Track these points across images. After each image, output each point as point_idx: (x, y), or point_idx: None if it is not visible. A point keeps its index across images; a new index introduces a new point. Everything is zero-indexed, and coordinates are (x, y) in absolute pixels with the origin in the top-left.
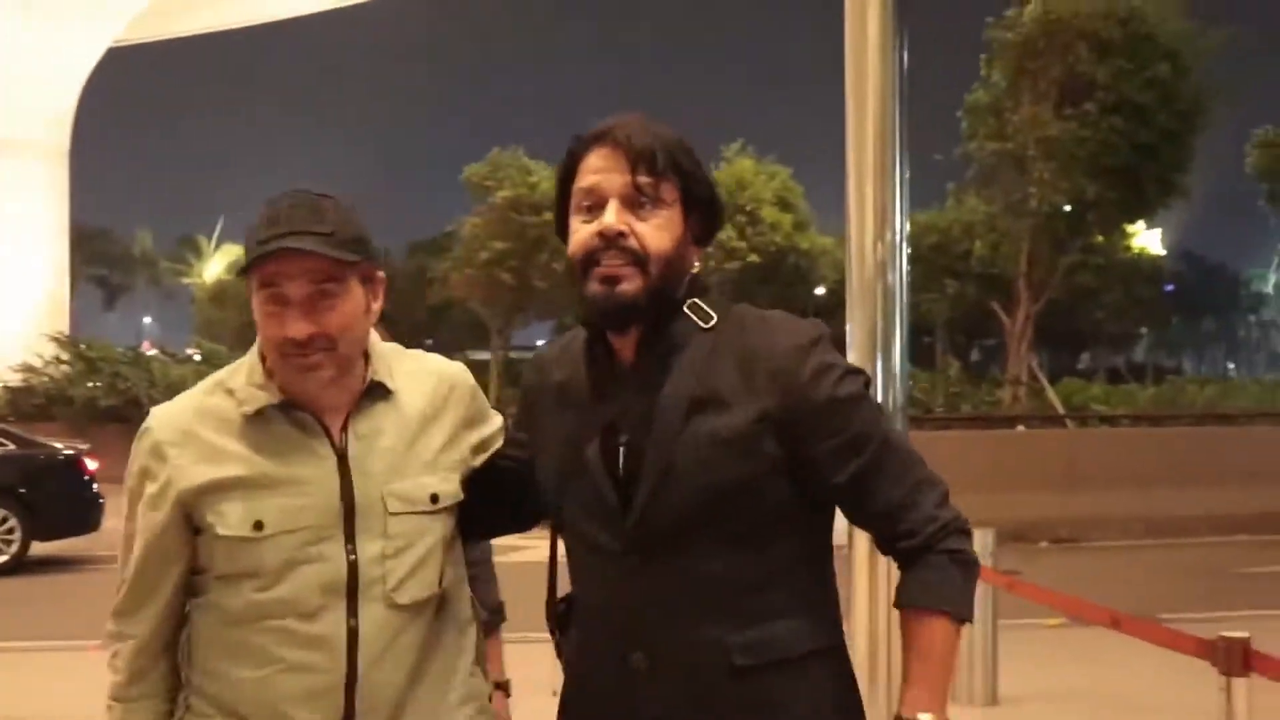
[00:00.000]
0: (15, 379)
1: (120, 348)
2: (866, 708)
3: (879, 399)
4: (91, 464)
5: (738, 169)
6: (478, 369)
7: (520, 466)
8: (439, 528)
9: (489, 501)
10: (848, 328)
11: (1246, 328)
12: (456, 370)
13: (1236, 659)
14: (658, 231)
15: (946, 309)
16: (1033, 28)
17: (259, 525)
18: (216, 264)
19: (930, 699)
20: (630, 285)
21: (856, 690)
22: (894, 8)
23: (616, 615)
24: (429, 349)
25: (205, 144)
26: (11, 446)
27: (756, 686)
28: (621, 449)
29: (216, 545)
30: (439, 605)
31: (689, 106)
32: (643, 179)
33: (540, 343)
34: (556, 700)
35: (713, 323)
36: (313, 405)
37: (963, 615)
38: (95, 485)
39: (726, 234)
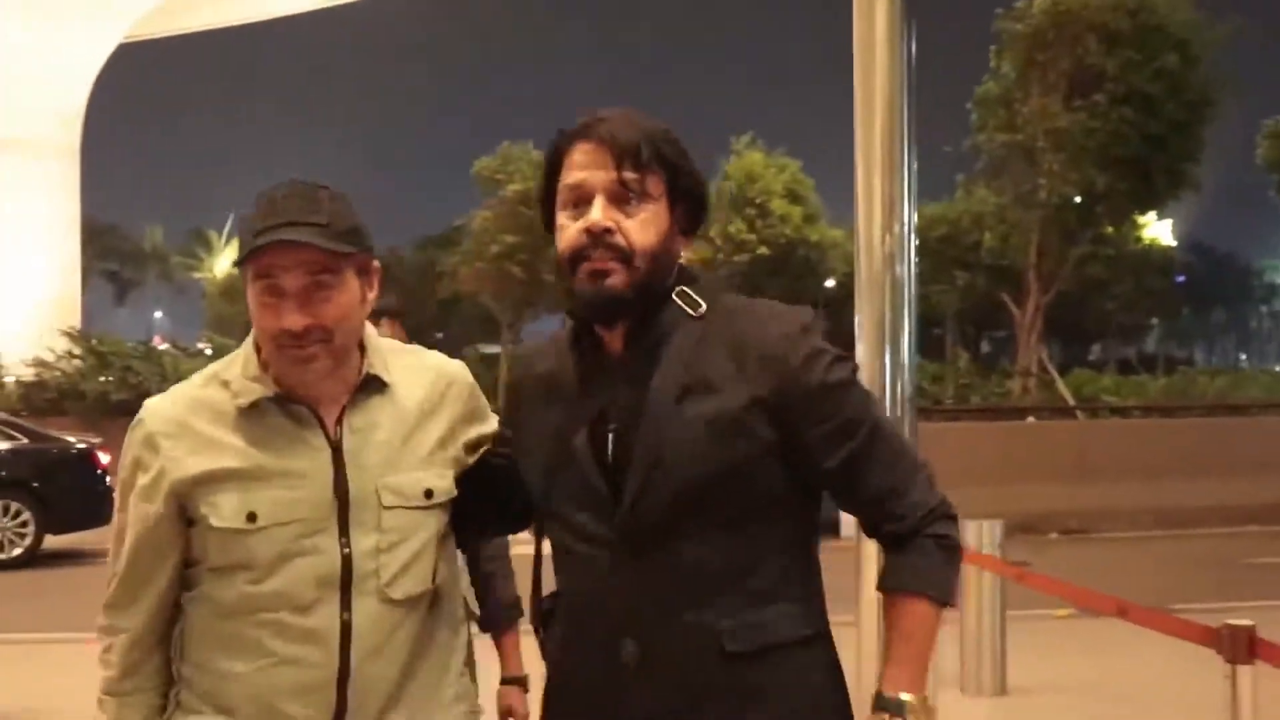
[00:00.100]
0: (28, 373)
1: (132, 342)
2: None
3: (888, 390)
4: (104, 457)
5: (747, 162)
6: (488, 362)
7: (510, 464)
8: (433, 523)
9: (479, 498)
10: (857, 319)
11: (1258, 318)
12: (455, 367)
13: (1242, 646)
14: (644, 226)
15: (956, 300)
16: (1042, 19)
17: (252, 517)
18: (227, 259)
19: (911, 679)
20: (617, 280)
21: (843, 678)
22: (901, 1)
23: (608, 604)
24: (439, 343)
25: (213, 140)
26: (24, 440)
27: (746, 673)
28: (610, 437)
29: (210, 537)
30: (432, 602)
31: (691, 106)
32: (628, 174)
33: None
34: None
35: (701, 310)
36: (308, 397)
37: (946, 599)
38: (108, 478)
39: (736, 227)
